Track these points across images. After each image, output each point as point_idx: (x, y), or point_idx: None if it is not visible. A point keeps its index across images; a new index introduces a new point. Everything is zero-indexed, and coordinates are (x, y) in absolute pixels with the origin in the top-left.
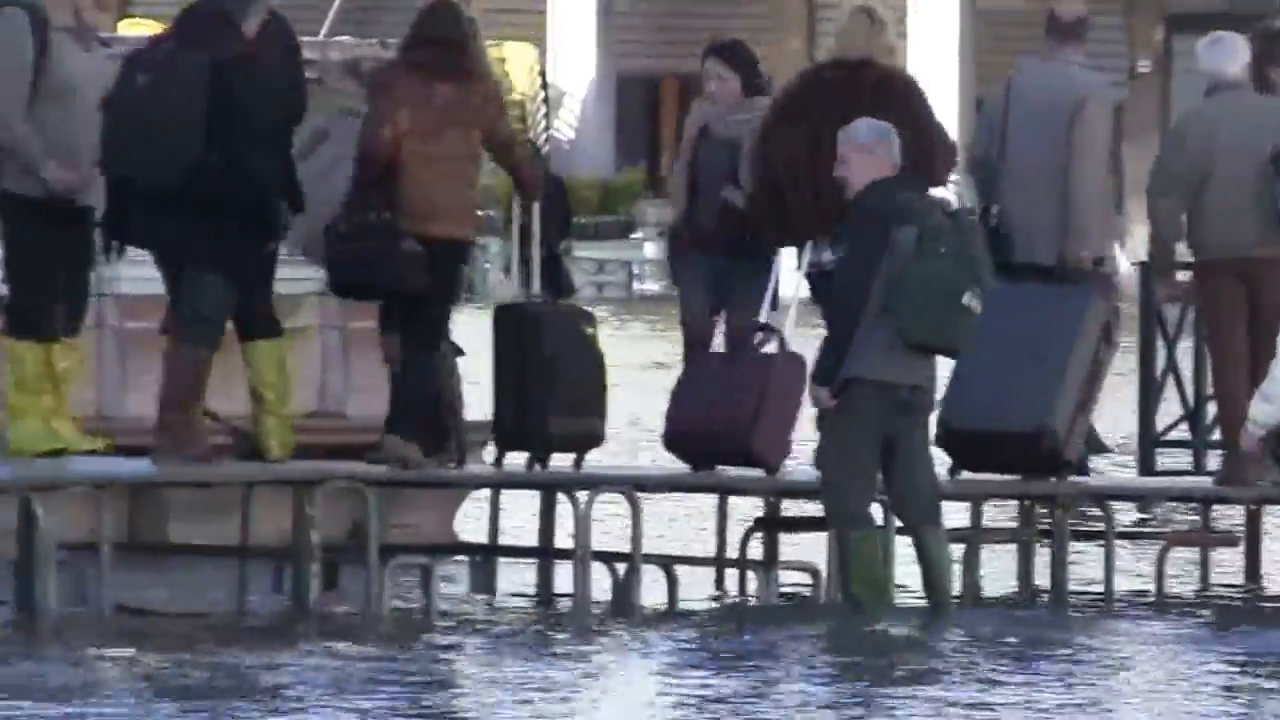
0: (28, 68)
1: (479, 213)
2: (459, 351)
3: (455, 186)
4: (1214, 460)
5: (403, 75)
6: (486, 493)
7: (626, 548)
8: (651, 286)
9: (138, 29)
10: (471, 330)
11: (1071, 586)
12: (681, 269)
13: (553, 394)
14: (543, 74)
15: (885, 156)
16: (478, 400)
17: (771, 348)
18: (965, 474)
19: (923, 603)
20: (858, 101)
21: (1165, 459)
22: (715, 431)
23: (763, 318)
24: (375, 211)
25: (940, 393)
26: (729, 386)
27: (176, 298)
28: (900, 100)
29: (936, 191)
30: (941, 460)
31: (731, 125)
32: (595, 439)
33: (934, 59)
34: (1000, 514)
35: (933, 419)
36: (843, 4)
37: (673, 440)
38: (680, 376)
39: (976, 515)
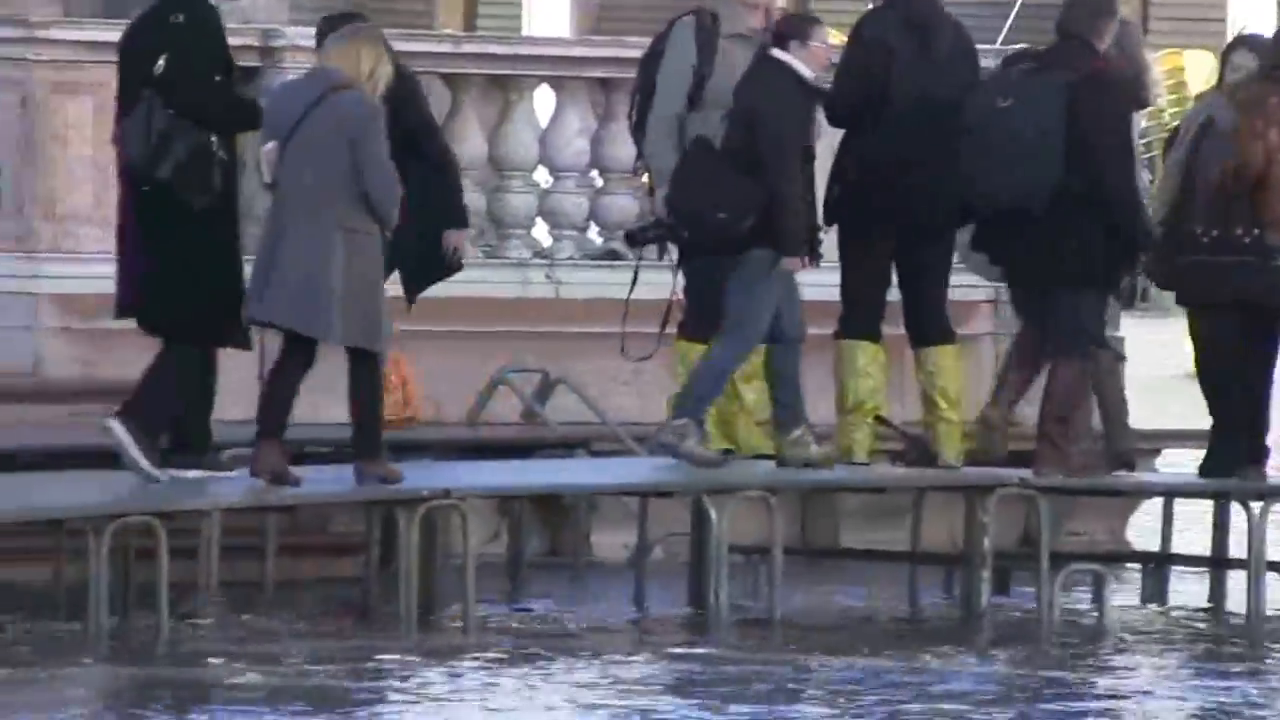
0: (687, 74)
1: None
2: (1121, 357)
3: None
4: None
5: (1275, 93)
6: (1159, 501)
7: None
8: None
9: None
10: (1136, 336)
11: None
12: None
13: None
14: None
15: None
16: (1136, 408)
17: None
18: None
19: None
20: None
21: None
22: None
23: None
24: (1240, 225)
25: None
26: None
27: (1042, 316)
28: None
29: None
30: None
31: None
32: None
33: None
34: None
35: None
36: None
37: None
38: None
39: None
